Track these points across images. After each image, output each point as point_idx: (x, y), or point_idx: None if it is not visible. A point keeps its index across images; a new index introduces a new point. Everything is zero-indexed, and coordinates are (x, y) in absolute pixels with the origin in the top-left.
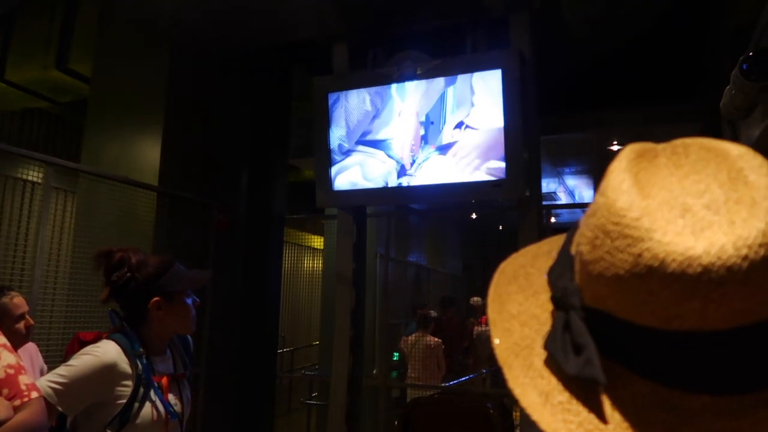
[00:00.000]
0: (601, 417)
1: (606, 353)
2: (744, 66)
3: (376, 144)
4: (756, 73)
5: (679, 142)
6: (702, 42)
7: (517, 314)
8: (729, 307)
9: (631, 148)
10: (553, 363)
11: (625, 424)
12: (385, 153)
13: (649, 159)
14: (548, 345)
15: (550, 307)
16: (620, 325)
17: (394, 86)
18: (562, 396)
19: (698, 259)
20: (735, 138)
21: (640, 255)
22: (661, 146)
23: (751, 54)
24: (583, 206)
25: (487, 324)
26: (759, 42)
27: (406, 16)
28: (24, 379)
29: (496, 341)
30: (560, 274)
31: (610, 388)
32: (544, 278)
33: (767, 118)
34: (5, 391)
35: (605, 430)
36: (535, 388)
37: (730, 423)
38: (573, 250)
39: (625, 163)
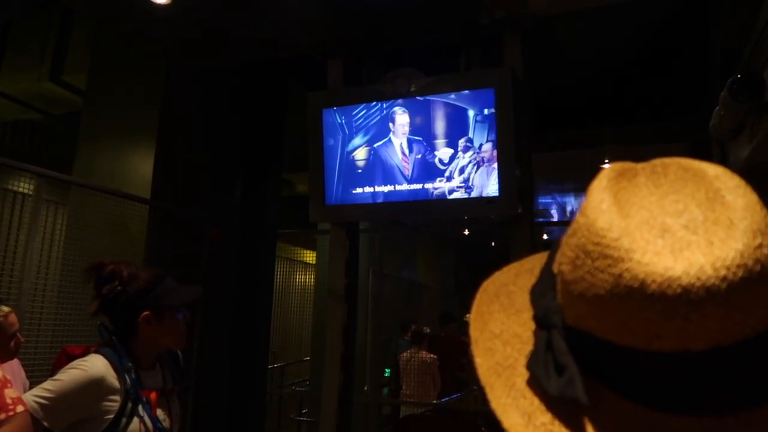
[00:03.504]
0: None
1: (588, 373)
2: (733, 88)
3: (370, 160)
4: (744, 94)
5: (658, 162)
6: (693, 63)
7: (500, 333)
8: (708, 328)
9: (612, 168)
10: (535, 383)
11: None
12: (380, 169)
13: (629, 178)
14: (530, 365)
15: (532, 325)
16: (601, 345)
17: (388, 103)
18: (544, 417)
19: (678, 280)
20: (723, 157)
21: (620, 275)
22: (640, 165)
23: (739, 76)
24: None
25: None
26: (748, 63)
27: (400, 33)
28: (9, 393)
29: (478, 361)
30: (542, 292)
31: (592, 408)
32: (526, 296)
33: (755, 138)
34: None
35: None
36: (517, 408)
37: None
38: (555, 268)
39: (605, 182)
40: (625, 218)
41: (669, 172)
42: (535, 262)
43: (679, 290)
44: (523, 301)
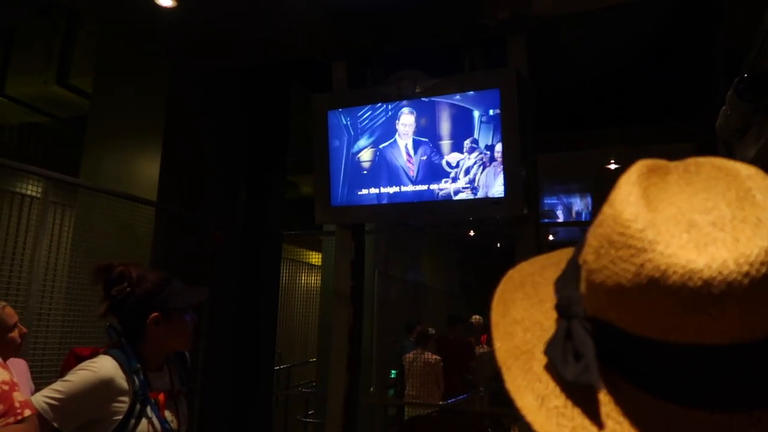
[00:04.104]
0: (595, 424)
1: (606, 363)
2: (739, 87)
3: (376, 161)
4: (751, 94)
5: (692, 161)
6: (697, 63)
7: (521, 320)
8: (727, 323)
9: (643, 163)
10: (552, 369)
11: None
12: (385, 170)
13: (661, 175)
14: (548, 350)
15: (554, 315)
16: (620, 335)
17: (393, 104)
18: (558, 401)
19: (699, 273)
20: (730, 158)
21: (642, 265)
22: (673, 164)
23: (745, 75)
24: (580, 224)
25: (487, 343)
26: (753, 63)
27: (403, 35)
28: (18, 396)
29: (497, 344)
30: (566, 283)
31: (607, 397)
32: (551, 288)
33: (762, 138)
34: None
35: None
36: (532, 391)
37: None
38: (580, 259)
39: (635, 177)
40: (653, 212)
41: (702, 171)
42: (562, 256)
43: (699, 283)
44: (547, 292)
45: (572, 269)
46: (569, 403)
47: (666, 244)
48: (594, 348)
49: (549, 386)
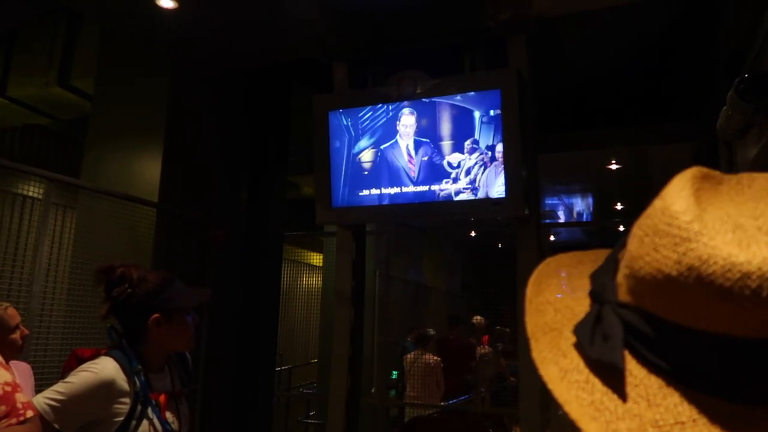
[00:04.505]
0: (613, 401)
1: (633, 347)
2: (740, 87)
3: (377, 162)
4: (751, 94)
5: (746, 174)
6: (698, 63)
7: (553, 301)
8: (760, 318)
9: (698, 169)
10: (578, 348)
11: (635, 412)
12: (386, 171)
13: (713, 184)
14: (577, 329)
15: (586, 303)
16: (652, 320)
17: (394, 105)
18: (580, 376)
19: (739, 266)
20: (731, 158)
21: (684, 254)
22: (726, 176)
23: (746, 75)
24: (582, 225)
25: (488, 344)
26: (754, 63)
27: (404, 36)
28: (20, 398)
29: (528, 318)
30: (602, 274)
31: (629, 377)
32: (585, 280)
33: (763, 138)
34: (2, 408)
35: (614, 412)
36: (556, 364)
37: (734, 429)
38: (620, 255)
39: (689, 176)
40: (702, 210)
41: (754, 185)
42: (600, 255)
43: (738, 275)
44: (581, 283)
45: (610, 263)
46: (591, 379)
47: (710, 237)
48: (622, 331)
49: (573, 362)
